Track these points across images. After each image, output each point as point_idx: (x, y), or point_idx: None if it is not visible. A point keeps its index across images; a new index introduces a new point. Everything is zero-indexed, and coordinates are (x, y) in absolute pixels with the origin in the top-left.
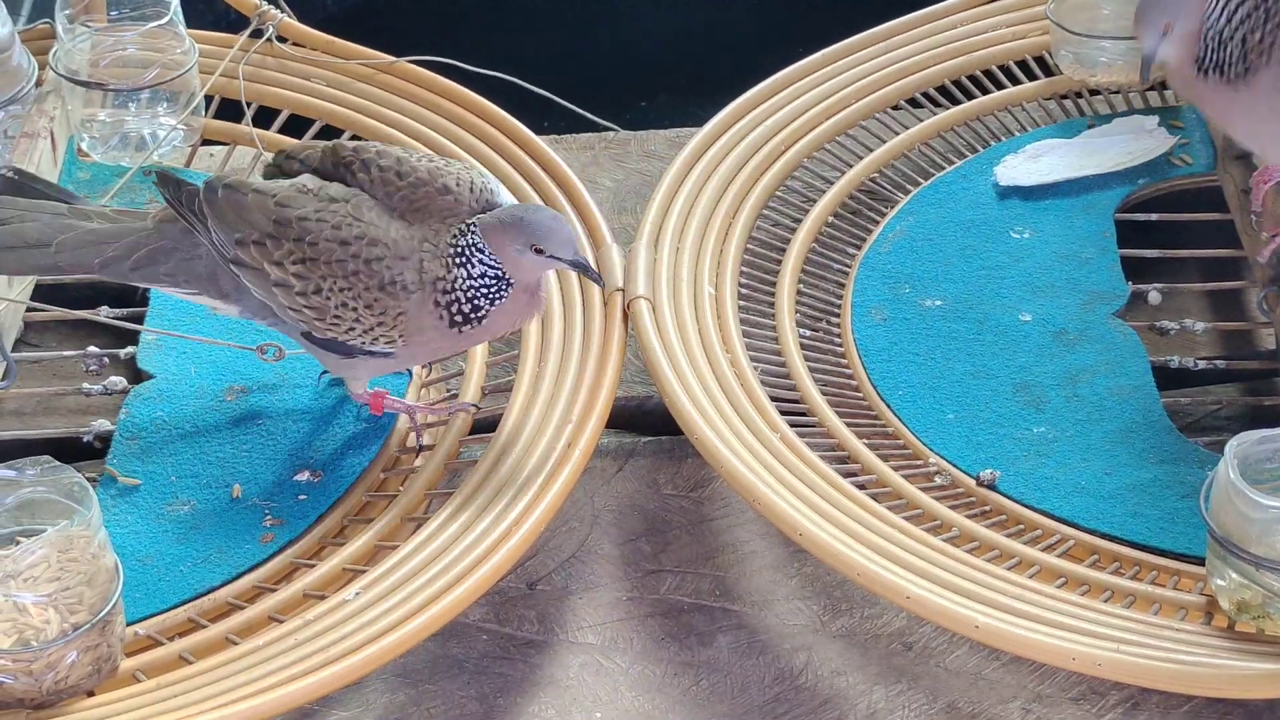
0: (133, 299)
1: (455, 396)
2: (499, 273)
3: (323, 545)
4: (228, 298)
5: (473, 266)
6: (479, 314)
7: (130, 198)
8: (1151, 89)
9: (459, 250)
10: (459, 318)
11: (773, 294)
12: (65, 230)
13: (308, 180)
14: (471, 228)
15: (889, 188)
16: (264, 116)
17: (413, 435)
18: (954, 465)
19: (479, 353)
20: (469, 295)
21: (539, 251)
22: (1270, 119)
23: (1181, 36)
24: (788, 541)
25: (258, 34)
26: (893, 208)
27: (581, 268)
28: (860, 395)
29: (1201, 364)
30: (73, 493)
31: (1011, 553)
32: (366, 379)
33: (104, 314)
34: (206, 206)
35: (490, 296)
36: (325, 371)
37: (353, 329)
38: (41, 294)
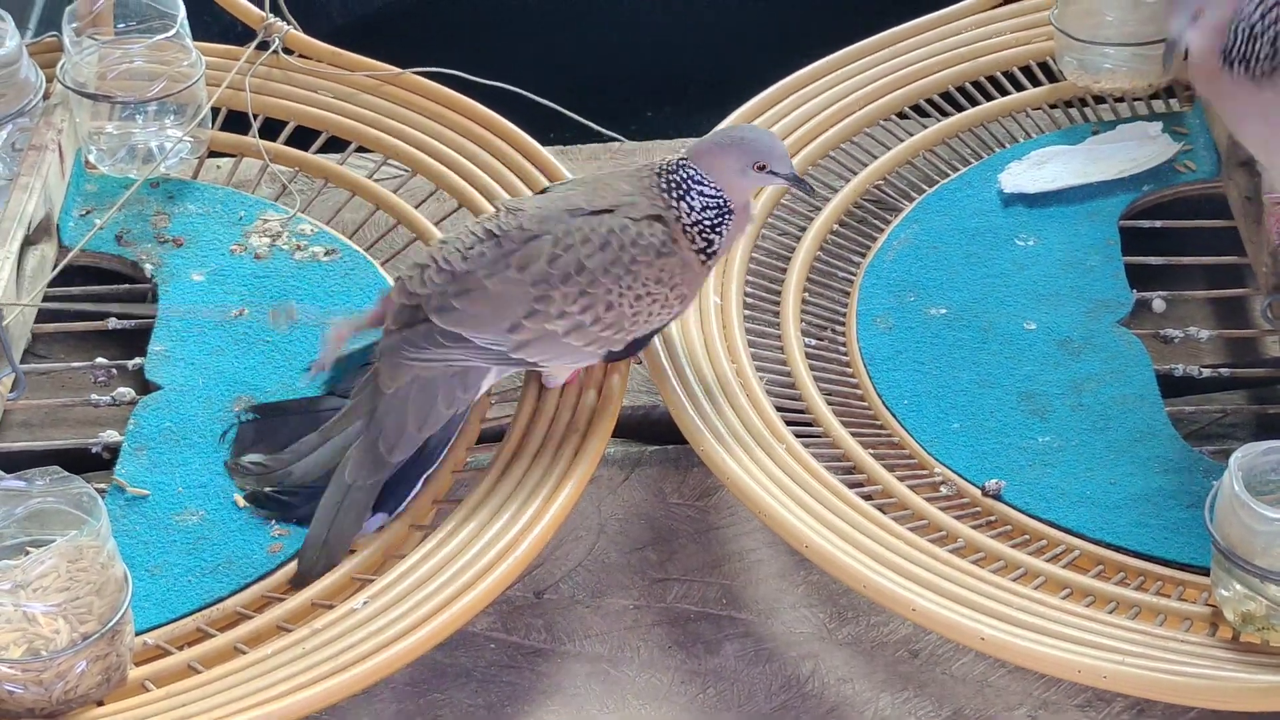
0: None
1: None
2: (720, 201)
3: None
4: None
5: (693, 199)
6: (713, 247)
7: (138, 209)
8: (1156, 96)
9: (676, 183)
10: (704, 253)
11: (778, 303)
12: (333, 462)
13: (503, 223)
14: (682, 162)
15: (893, 195)
16: (270, 128)
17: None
18: (960, 475)
19: None
20: (700, 229)
21: (761, 169)
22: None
23: (1212, 24)
24: (793, 550)
25: (264, 46)
26: (897, 215)
27: (797, 182)
28: (865, 405)
29: (1206, 372)
30: (81, 503)
31: (1017, 564)
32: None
33: (112, 323)
34: (454, 325)
35: (715, 225)
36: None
37: (652, 312)
38: (50, 302)
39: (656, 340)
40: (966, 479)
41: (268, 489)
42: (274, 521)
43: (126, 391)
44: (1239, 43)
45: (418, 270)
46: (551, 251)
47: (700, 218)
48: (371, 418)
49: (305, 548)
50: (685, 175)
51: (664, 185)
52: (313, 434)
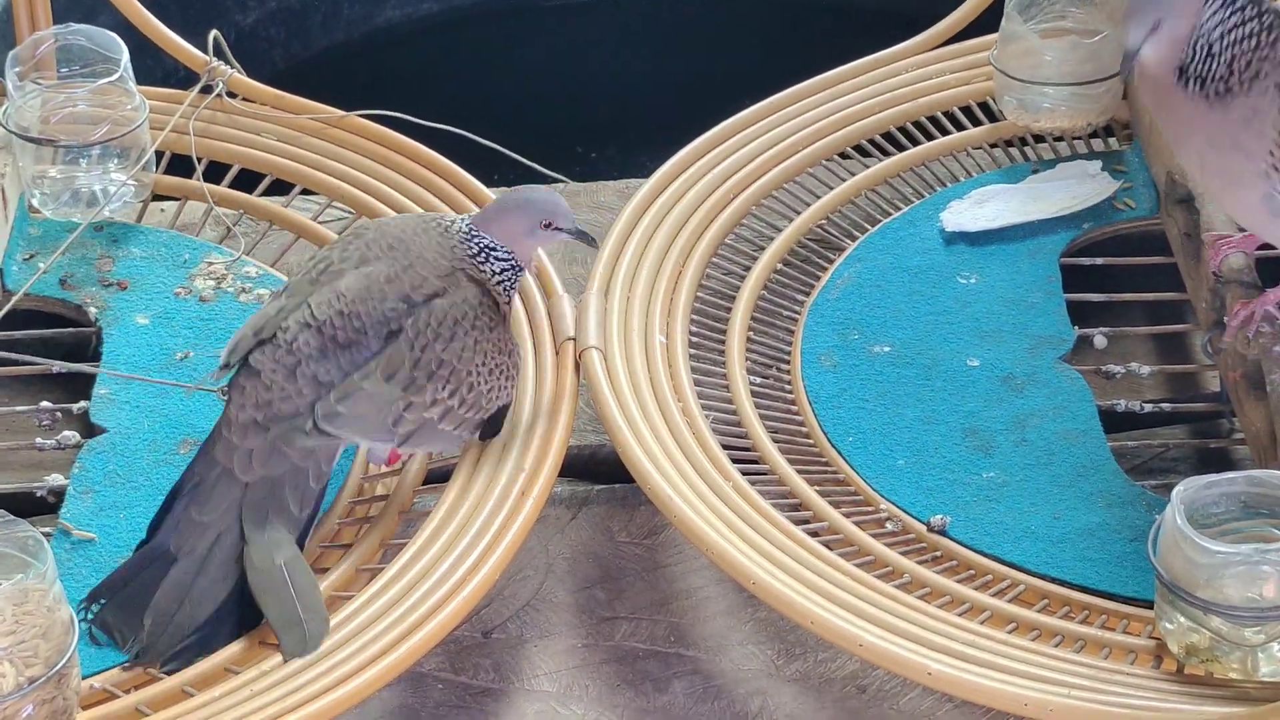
0: (85, 355)
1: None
2: (512, 263)
3: None
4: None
5: (493, 264)
6: (507, 308)
7: (82, 253)
8: (1095, 135)
9: (479, 251)
10: (502, 315)
11: (723, 342)
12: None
13: (318, 313)
14: (473, 230)
15: (837, 234)
16: (215, 171)
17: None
18: (905, 511)
19: None
20: (504, 288)
21: (548, 226)
22: (1228, 150)
23: (1169, 37)
24: (741, 587)
25: (207, 90)
26: (840, 254)
27: (582, 235)
28: (811, 442)
29: (1148, 407)
30: (27, 547)
31: (963, 598)
32: None
33: (57, 367)
34: (339, 430)
35: (509, 286)
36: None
37: (503, 386)
38: None
39: (603, 380)
40: (912, 515)
41: (173, 646)
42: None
43: (72, 435)
44: (1197, 59)
45: (253, 379)
46: (411, 355)
47: (501, 279)
48: (239, 513)
49: (284, 633)
50: (484, 242)
51: (471, 250)
52: (174, 569)
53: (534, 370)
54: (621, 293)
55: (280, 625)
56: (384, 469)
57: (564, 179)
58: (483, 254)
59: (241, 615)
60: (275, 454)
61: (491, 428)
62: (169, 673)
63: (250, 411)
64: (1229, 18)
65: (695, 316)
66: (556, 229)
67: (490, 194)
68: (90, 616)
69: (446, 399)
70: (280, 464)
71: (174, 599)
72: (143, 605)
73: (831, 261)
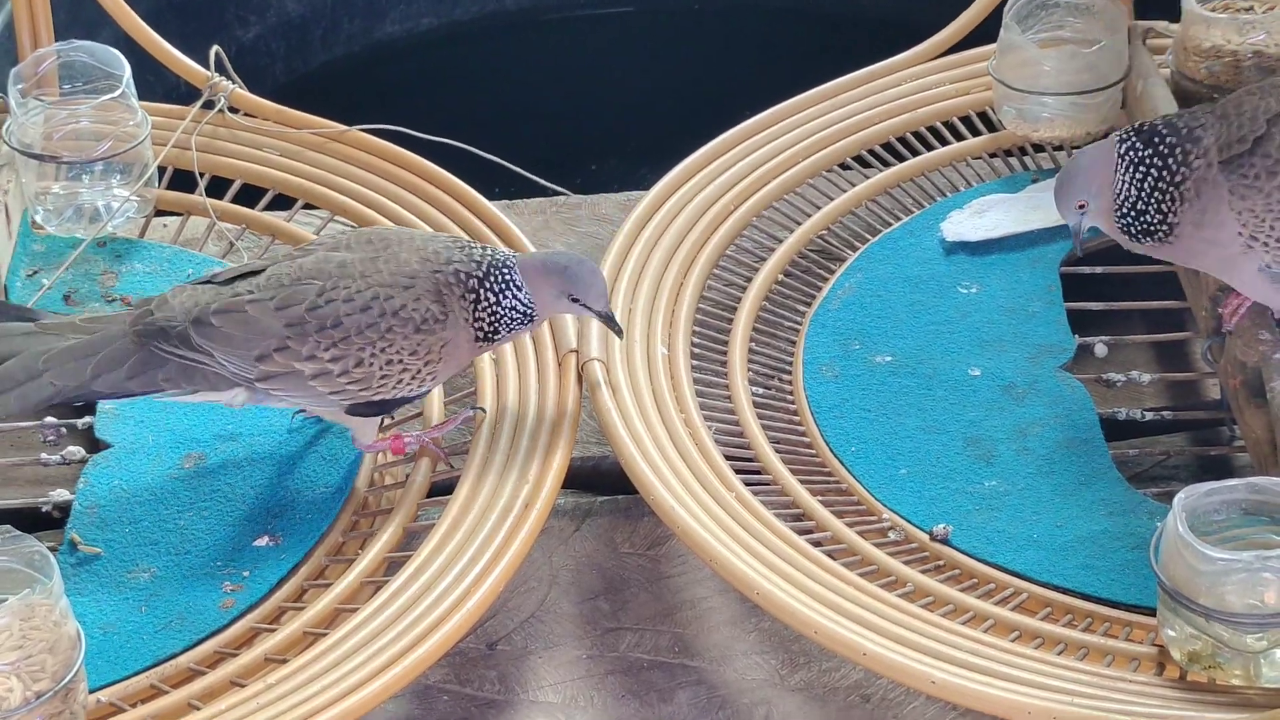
0: None
1: (414, 459)
2: (529, 310)
3: (283, 610)
4: (238, 392)
5: (505, 297)
6: (498, 336)
7: (85, 269)
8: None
9: (497, 275)
10: (483, 334)
11: (725, 353)
12: (47, 351)
13: (283, 269)
14: (509, 262)
15: (838, 245)
16: (217, 186)
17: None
18: (907, 520)
19: (435, 415)
20: (494, 317)
21: (574, 300)
22: (1210, 257)
23: (1098, 211)
24: (745, 597)
25: (209, 105)
26: (841, 265)
27: (608, 320)
28: (814, 452)
29: (1149, 415)
30: (34, 562)
31: (966, 607)
32: (378, 426)
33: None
34: (205, 340)
35: (511, 326)
36: (300, 411)
37: (401, 380)
38: None
39: (606, 391)
40: (914, 524)
41: None
42: (227, 578)
43: (76, 450)
44: (1130, 224)
45: (189, 290)
46: (313, 300)
47: (500, 311)
48: (91, 339)
49: None
50: (509, 279)
51: (479, 272)
52: (25, 325)
53: (537, 382)
54: (624, 304)
55: None
56: (383, 458)
57: (565, 191)
58: (500, 283)
59: None
60: (170, 355)
61: (372, 410)
62: None
63: (167, 311)
64: (1135, 175)
65: (697, 328)
66: (584, 306)
67: (491, 207)
68: None
69: (326, 360)
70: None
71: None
72: None
73: (832, 272)
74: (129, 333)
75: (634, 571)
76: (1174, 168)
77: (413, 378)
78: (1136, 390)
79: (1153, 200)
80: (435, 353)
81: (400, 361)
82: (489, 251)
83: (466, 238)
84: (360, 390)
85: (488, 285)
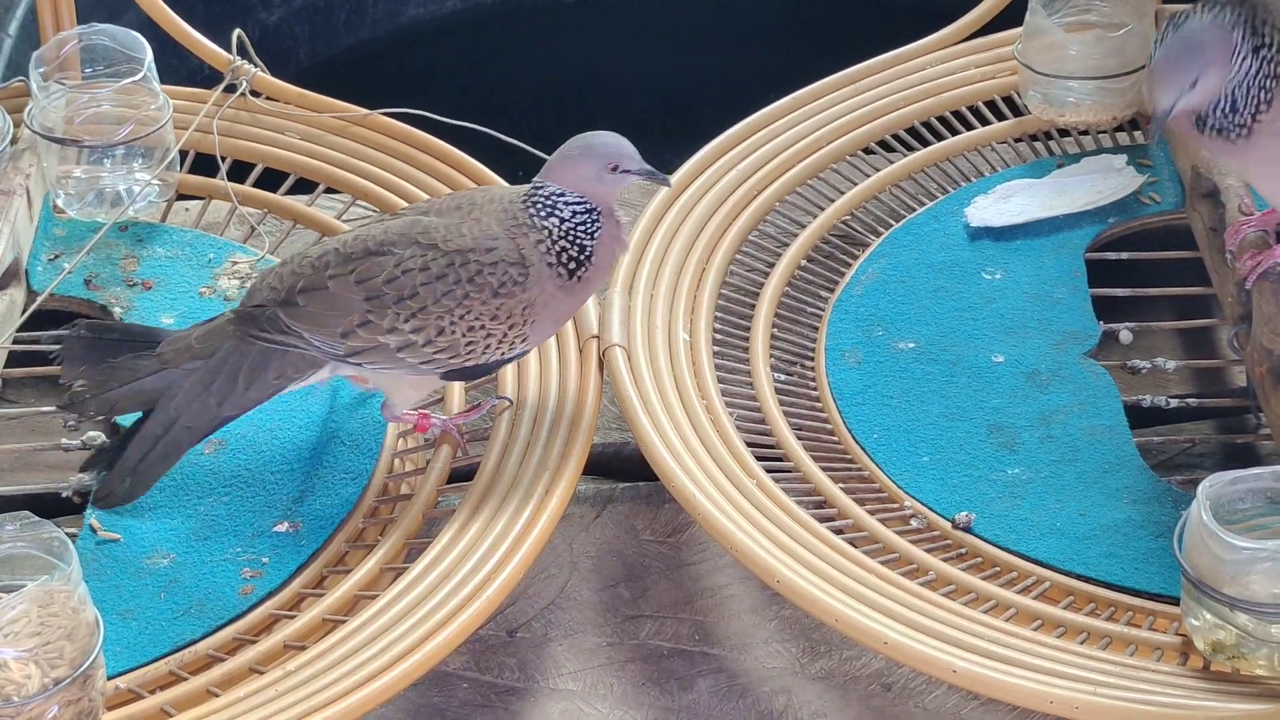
0: None
1: (435, 445)
2: (585, 204)
3: (302, 596)
4: (332, 367)
5: (561, 210)
6: (586, 253)
7: (106, 253)
8: (1120, 129)
9: (540, 204)
10: (573, 265)
11: (747, 339)
12: (172, 395)
13: (371, 231)
14: (539, 185)
15: (861, 230)
16: (238, 170)
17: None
18: (929, 508)
19: (456, 402)
20: (572, 239)
21: (614, 169)
22: (1266, 167)
23: (1203, 90)
24: (765, 585)
25: (231, 89)
26: (865, 250)
27: (651, 174)
28: (835, 439)
29: (1174, 402)
30: (52, 548)
31: (988, 595)
32: (414, 400)
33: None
34: (294, 321)
35: (589, 230)
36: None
37: (489, 345)
38: (18, 348)
39: (627, 378)
40: (936, 512)
41: (90, 410)
42: (247, 564)
43: (97, 435)
44: (1218, 111)
45: (275, 271)
46: (391, 271)
47: (573, 225)
48: (208, 363)
49: (116, 469)
50: (546, 193)
51: (532, 212)
52: (141, 360)
53: (558, 368)
54: (645, 290)
55: (118, 469)
56: (403, 442)
57: None
58: (547, 205)
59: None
60: (265, 340)
61: (468, 375)
62: (84, 467)
63: (259, 297)
64: (1258, 67)
65: (719, 314)
66: (624, 171)
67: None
68: (68, 334)
69: (408, 331)
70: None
71: (123, 378)
72: (104, 359)
73: (856, 257)
74: (232, 335)
75: (654, 559)
76: (1273, 66)
77: (500, 341)
78: (1162, 377)
79: (1255, 95)
80: (518, 315)
81: (483, 327)
82: (522, 188)
83: (508, 187)
84: (450, 358)
85: (542, 212)
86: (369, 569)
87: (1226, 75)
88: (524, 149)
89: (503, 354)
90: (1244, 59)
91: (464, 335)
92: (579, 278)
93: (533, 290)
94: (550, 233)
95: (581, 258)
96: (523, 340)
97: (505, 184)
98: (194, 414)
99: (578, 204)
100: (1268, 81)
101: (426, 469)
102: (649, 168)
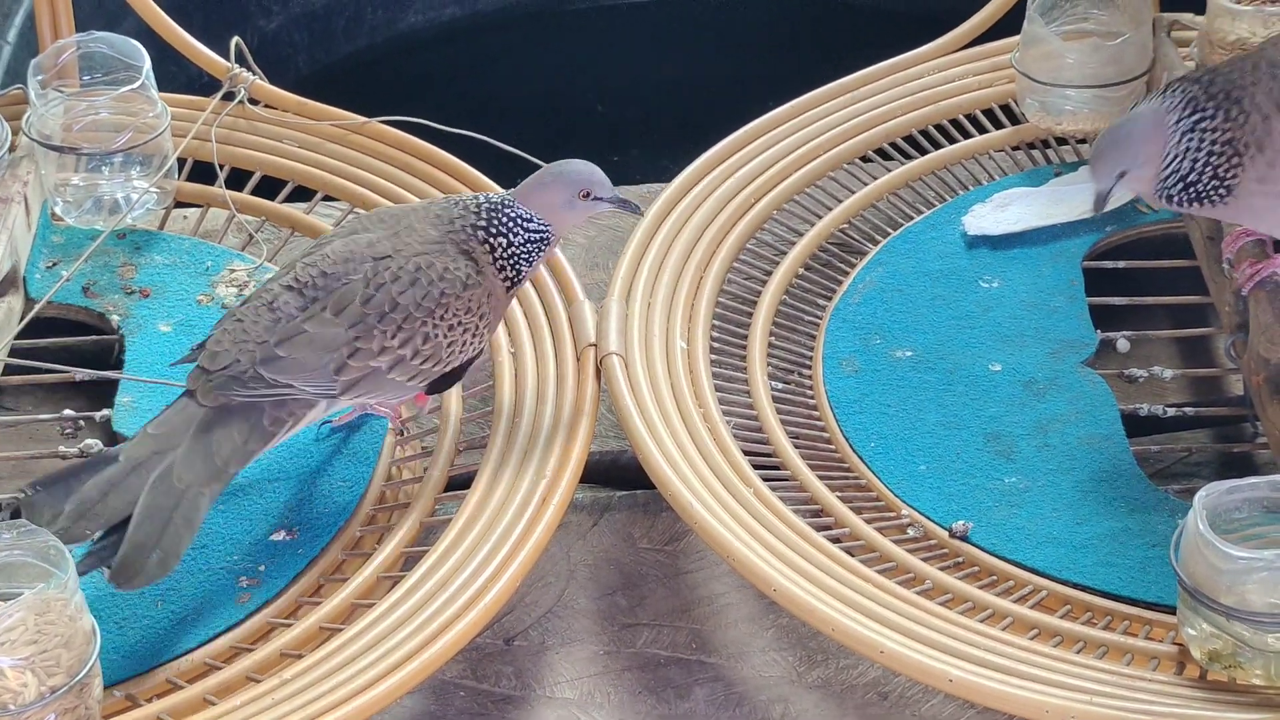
0: (107, 363)
1: (432, 453)
2: (544, 234)
3: (299, 604)
4: (324, 405)
5: (515, 235)
6: (522, 273)
7: (104, 261)
8: None
9: (496, 218)
10: (510, 277)
11: (744, 347)
12: (167, 462)
13: (301, 275)
14: (506, 201)
15: (859, 238)
16: (237, 178)
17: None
18: (926, 517)
19: (453, 409)
20: (514, 261)
21: (586, 196)
22: (1260, 215)
23: (1139, 179)
24: (762, 594)
25: (229, 97)
26: (862, 258)
27: (623, 203)
28: (833, 448)
29: (1171, 411)
30: (49, 556)
31: (984, 605)
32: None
33: (80, 375)
34: (278, 375)
35: (531, 258)
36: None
37: (465, 342)
38: (16, 355)
39: (624, 385)
40: (933, 520)
41: (84, 536)
42: (244, 572)
43: (94, 443)
44: (1177, 195)
45: (235, 323)
46: (364, 292)
47: (518, 250)
48: (192, 430)
49: (130, 553)
50: (509, 213)
51: (481, 222)
52: (111, 468)
53: (555, 376)
54: (643, 298)
55: (132, 545)
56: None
57: None
58: (506, 224)
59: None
60: (252, 398)
61: (447, 382)
62: (82, 571)
63: (226, 357)
64: (1187, 145)
65: (716, 322)
66: (596, 199)
67: None
68: (20, 497)
69: (397, 347)
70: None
71: (100, 490)
72: (70, 491)
73: (853, 266)
74: (209, 398)
75: (651, 567)
76: (1223, 128)
77: (474, 336)
78: (1159, 386)
79: (1208, 168)
80: (485, 304)
81: (460, 324)
82: (482, 199)
83: (457, 195)
84: (434, 366)
85: (495, 228)
86: (366, 577)
87: (1161, 161)
88: (522, 157)
89: (474, 350)
90: (1182, 136)
91: (445, 336)
92: (511, 288)
93: (489, 282)
94: (493, 249)
95: (516, 279)
96: (488, 330)
97: (497, 189)
98: (202, 476)
99: (536, 231)
100: (1220, 147)
101: (424, 477)
102: (621, 196)
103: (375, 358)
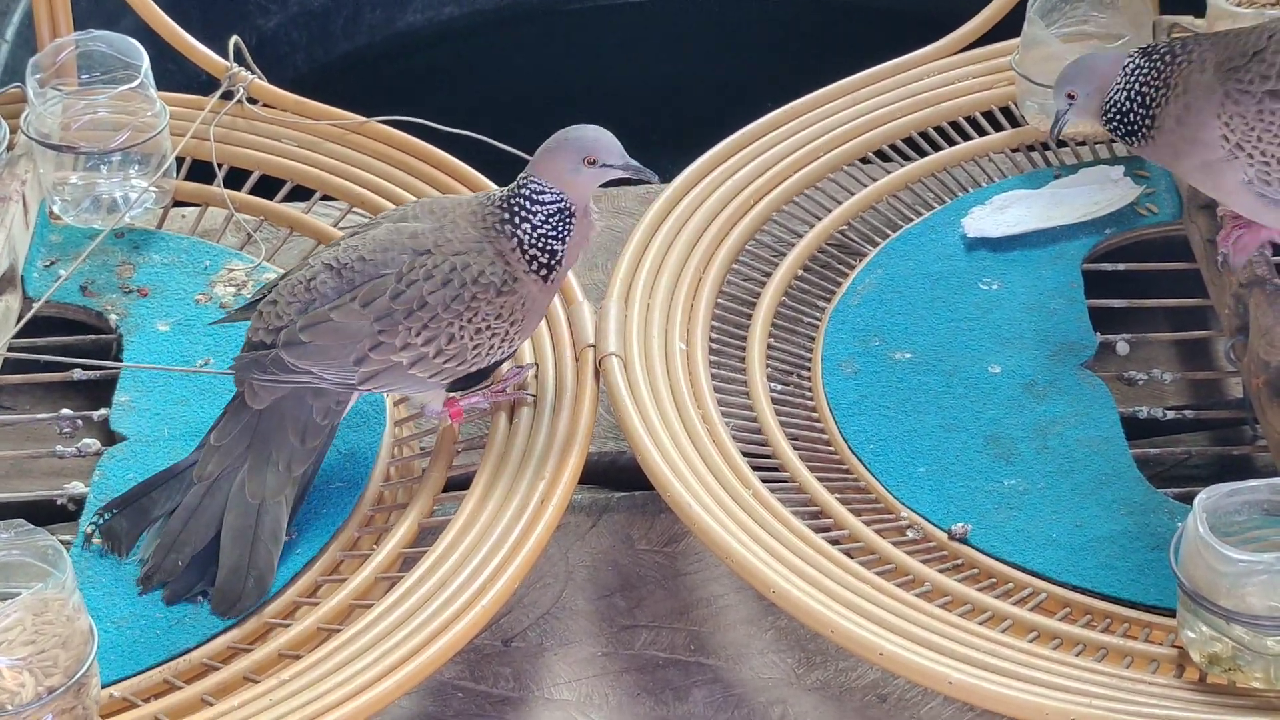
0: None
1: (431, 454)
2: (561, 204)
3: (297, 605)
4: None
5: (533, 215)
6: (557, 258)
7: (102, 260)
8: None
9: (514, 207)
10: (544, 271)
11: (743, 349)
12: (225, 476)
13: (348, 250)
14: (523, 181)
15: (858, 240)
16: (235, 177)
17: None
18: (925, 519)
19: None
20: (541, 245)
21: (592, 163)
22: (1189, 155)
23: (1085, 108)
24: (761, 595)
25: (228, 96)
26: (862, 260)
27: (634, 170)
28: (832, 449)
29: (1170, 414)
30: (47, 556)
31: (984, 607)
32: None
33: (77, 374)
34: (299, 360)
35: (559, 234)
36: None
37: (492, 345)
38: (13, 356)
39: (623, 387)
40: (932, 523)
41: (177, 568)
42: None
43: (92, 443)
44: (1113, 125)
45: (270, 305)
46: (395, 287)
47: (543, 229)
48: (251, 440)
49: (226, 580)
50: (524, 193)
51: (505, 215)
52: (186, 494)
53: (554, 377)
54: (642, 299)
55: (226, 571)
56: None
57: None
58: (522, 206)
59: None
60: (271, 383)
61: (469, 382)
62: (168, 600)
63: (261, 335)
64: (1129, 80)
65: (715, 323)
66: (604, 165)
67: None
68: (99, 523)
69: (420, 345)
70: (268, 393)
71: (181, 520)
72: (148, 520)
73: (853, 267)
74: (243, 407)
75: (650, 568)
76: (1161, 68)
77: (502, 340)
78: (1158, 389)
79: (1138, 98)
80: (519, 310)
81: (489, 328)
82: (497, 193)
83: (490, 191)
84: (457, 365)
85: (516, 214)
86: (364, 578)
87: (1109, 86)
88: (521, 156)
89: (502, 353)
90: (1131, 70)
91: (471, 339)
92: (550, 280)
93: (526, 287)
94: (520, 241)
95: (552, 263)
96: (519, 335)
97: (496, 188)
98: (272, 488)
99: (551, 204)
100: (1154, 82)
101: (422, 478)
102: (633, 163)
103: (397, 352)
